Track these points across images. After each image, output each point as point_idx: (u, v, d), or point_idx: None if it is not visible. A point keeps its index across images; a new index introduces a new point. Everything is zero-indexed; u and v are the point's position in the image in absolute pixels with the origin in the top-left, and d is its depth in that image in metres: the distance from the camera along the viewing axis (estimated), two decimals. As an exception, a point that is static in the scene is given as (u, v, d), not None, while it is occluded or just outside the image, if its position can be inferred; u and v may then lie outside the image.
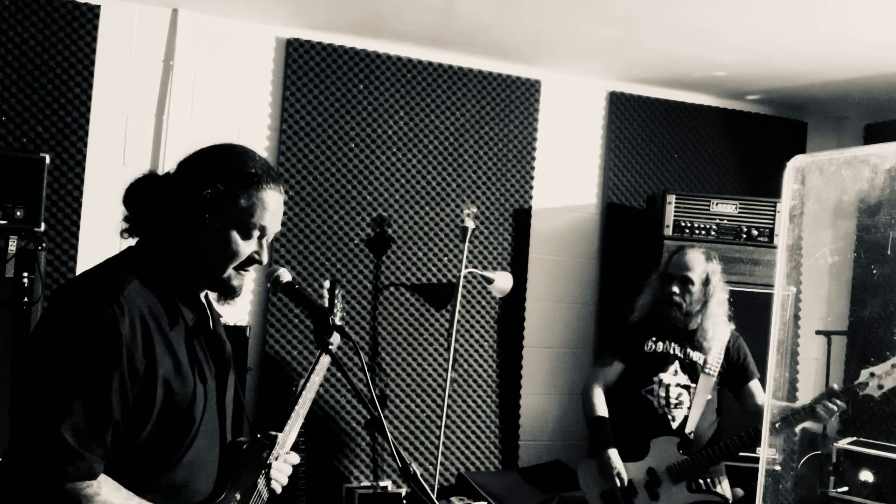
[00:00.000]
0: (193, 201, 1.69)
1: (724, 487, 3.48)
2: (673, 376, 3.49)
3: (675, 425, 3.46)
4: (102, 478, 1.59)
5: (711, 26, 3.83)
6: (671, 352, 3.52)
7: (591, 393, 3.59)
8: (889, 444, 3.79)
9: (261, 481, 1.85)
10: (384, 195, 4.37)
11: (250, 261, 1.76)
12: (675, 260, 3.53)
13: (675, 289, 3.47)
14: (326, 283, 1.96)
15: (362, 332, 4.33)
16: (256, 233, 1.74)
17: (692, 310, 3.49)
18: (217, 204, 1.69)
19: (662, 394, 3.47)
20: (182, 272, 1.74)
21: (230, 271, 1.74)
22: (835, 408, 3.10)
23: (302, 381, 2.02)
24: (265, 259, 1.77)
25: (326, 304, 2.20)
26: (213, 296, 1.82)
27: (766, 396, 3.16)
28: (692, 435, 3.45)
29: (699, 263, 3.48)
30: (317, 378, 2.03)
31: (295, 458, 1.97)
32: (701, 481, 3.42)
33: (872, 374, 3.04)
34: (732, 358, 3.53)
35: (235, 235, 1.71)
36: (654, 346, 3.53)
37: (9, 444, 1.63)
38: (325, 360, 2.02)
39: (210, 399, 1.77)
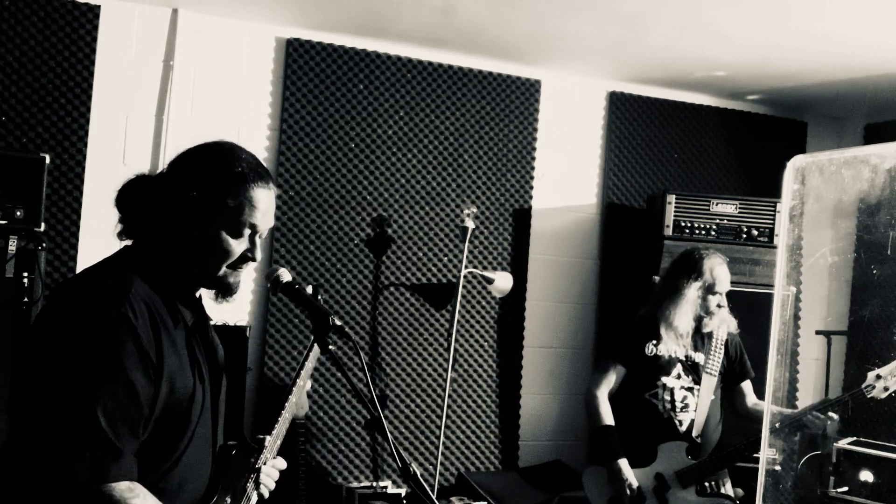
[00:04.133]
0: (182, 202, 1.69)
1: (727, 488, 3.48)
2: (676, 379, 3.46)
3: (682, 429, 3.43)
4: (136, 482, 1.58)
5: (711, 26, 3.83)
6: (672, 354, 3.50)
7: (596, 401, 3.52)
8: (889, 444, 3.79)
9: (250, 485, 1.85)
10: (384, 195, 4.37)
11: (243, 259, 1.75)
12: (718, 275, 3.46)
13: (721, 303, 3.47)
14: (309, 289, 1.96)
15: (362, 332, 4.33)
16: (247, 231, 1.73)
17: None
18: (204, 204, 1.69)
19: (667, 398, 3.44)
20: (178, 272, 1.74)
21: (224, 270, 1.74)
22: (826, 421, 3.10)
23: (289, 384, 2.03)
24: (258, 257, 1.77)
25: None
26: (210, 294, 1.81)
27: (766, 396, 3.16)
28: (699, 439, 3.43)
29: (728, 273, 3.51)
30: (309, 365, 2.05)
31: (282, 464, 1.97)
32: (707, 484, 3.41)
33: (879, 377, 3.02)
34: (731, 356, 3.53)
35: (225, 235, 1.71)
36: (654, 350, 3.50)
37: (14, 446, 1.61)
38: (316, 351, 2.04)
39: (206, 401, 1.77)
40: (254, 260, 1.76)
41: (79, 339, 1.57)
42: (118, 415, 1.54)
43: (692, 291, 3.45)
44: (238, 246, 1.73)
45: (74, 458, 1.51)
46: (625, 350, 3.57)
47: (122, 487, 1.54)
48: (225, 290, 1.77)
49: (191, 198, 1.68)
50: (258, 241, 1.76)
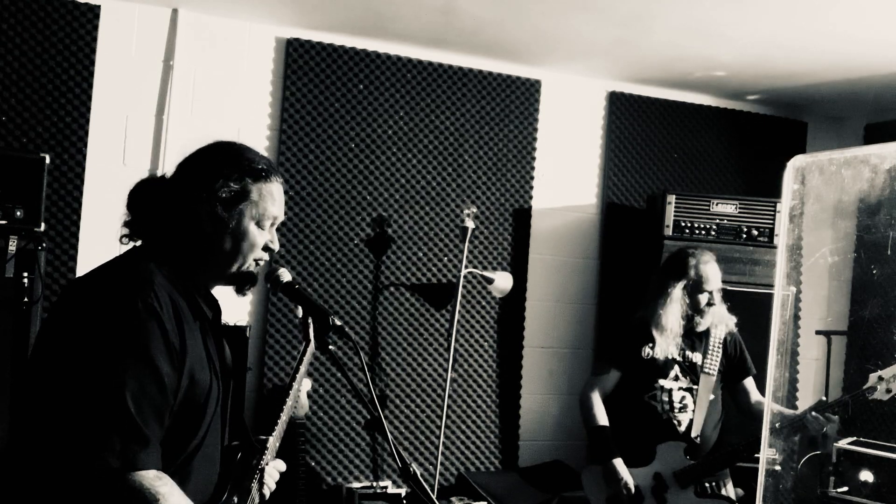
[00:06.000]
0: (207, 200, 1.73)
1: (728, 489, 3.47)
2: (674, 381, 3.46)
3: (681, 430, 3.43)
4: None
5: (712, 26, 3.83)
6: (669, 356, 3.49)
7: (590, 402, 3.53)
8: (889, 444, 3.79)
9: (254, 486, 1.86)
10: (384, 195, 4.37)
11: (264, 249, 1.83)
12: (703, 272, 3.45)
13: (711, 301, 3.45)
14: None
15: (362, 332, 4.33)
16: (268, 223, 1.81)
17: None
18: (233, 200, 1.75)
19: (666, 399, 3.44)
20: (200, 268, 1.77)
21: (250, 262, 1.81)
22: (827, 422, 3.09)
23: (286, 387, 2.04)
24: (277, 245, 1.86)
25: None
26: (230, 288, 1.85)
27: (766, 397, 3.16)
28: (698, 439, 3.43)
29: (718, 270, 3.49)
30: (303, 368, 2.06)
31: (282, 465, 2.00)
32: (707, 484, 3.41)
33: (881, 378, 3.00)
34: (731, 354, 3.53)
35: (253, 228, 1.78)
36: (650, 353, 3.49)
37: (18, 445, 1.60)
38: (310, 352, 2.05)
39: (218, 399, 1.78)
40: (274, 250, 1.85)
41: (105, 327, 1.57)
42: (145, 402, 1.54)
43: (677, 291, 3.46)
44: (262, 238, 1.81)
45: (103, 444, 1.49)
46: (620, 354, 3.57)
47: (151, 476, 1.53)
48: (250, 280, 1.83)
49: (217, 195, 1.73)
50: (274, 231, 1.85)
